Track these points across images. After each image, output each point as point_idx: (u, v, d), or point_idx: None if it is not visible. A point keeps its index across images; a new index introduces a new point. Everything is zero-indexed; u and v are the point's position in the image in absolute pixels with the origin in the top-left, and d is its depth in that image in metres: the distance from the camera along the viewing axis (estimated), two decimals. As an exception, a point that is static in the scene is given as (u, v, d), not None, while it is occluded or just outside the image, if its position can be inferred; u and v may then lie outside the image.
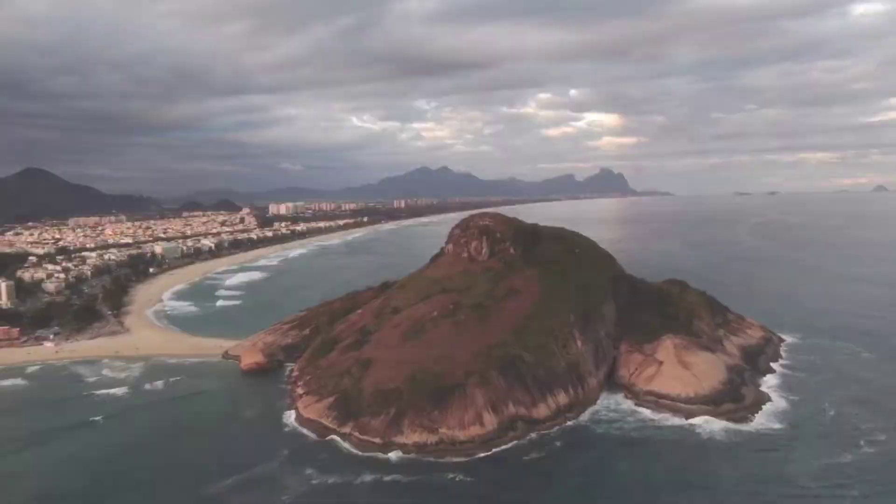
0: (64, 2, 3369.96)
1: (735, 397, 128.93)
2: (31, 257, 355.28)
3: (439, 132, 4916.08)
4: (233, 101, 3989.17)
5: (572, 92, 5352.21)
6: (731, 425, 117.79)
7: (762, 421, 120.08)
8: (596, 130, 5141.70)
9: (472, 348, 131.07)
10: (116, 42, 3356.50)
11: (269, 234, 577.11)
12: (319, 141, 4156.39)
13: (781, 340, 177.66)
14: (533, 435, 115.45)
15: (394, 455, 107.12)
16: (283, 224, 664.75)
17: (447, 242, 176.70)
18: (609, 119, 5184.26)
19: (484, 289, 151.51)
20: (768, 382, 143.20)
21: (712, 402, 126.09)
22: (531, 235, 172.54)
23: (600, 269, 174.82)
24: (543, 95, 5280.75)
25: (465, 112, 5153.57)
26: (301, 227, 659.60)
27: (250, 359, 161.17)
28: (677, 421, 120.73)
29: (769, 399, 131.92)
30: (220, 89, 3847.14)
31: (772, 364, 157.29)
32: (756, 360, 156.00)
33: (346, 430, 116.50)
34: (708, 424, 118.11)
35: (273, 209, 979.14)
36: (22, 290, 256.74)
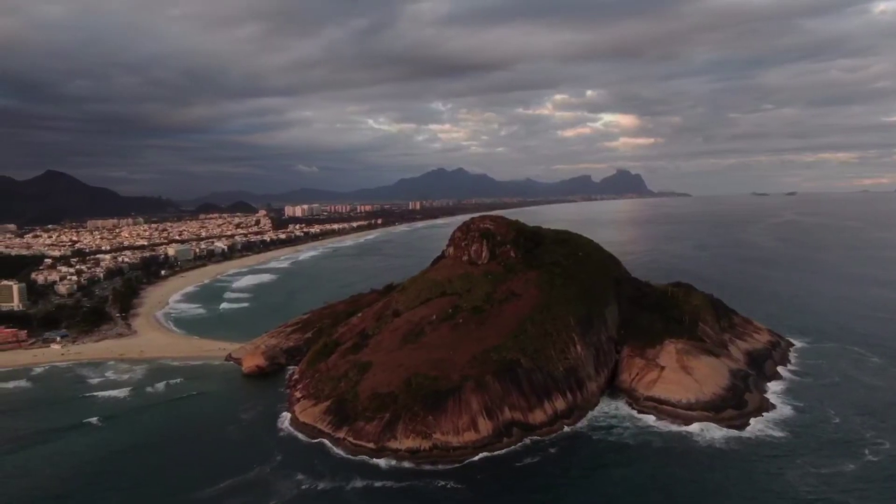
0: (79, 6, 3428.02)
1: (737, 403, 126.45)
2: (46, 259, 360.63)
3: (455, 134, 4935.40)
4: (247, 104, 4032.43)
5: (588, 93, 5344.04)
6: (731, 432, 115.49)
7: (764, 428, 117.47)
8: (612, 131, 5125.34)
9: (470, 352, 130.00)
10: (131, 45, 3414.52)
11: (283, 236, 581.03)
12: (335, 143, 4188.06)
13: (791, 345, 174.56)
14: (527, 441, 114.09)
15: (384, 461, 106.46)
16: (296, 226, 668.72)
17: (448, 245, 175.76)
18: (625, 120, 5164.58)
19: (483, 292, 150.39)
20: (773, 388, 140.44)
21: (713, 409, 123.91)
22: (532, 238, 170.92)
23: (603, 271, 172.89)
24: (559, 96, 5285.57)
25: (480, 113, 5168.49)
26: (315, 229, 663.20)
27: (251, 362, 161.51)
28: (676, 427, 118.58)
29: (773, 405, 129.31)
30: (235, 92, 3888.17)
31: (778, 369, 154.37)
32: (762, 364, 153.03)
33: (341, 434, 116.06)
34: (707, 431, 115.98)
35: (288, 211, 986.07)
36: (34, 293, 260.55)
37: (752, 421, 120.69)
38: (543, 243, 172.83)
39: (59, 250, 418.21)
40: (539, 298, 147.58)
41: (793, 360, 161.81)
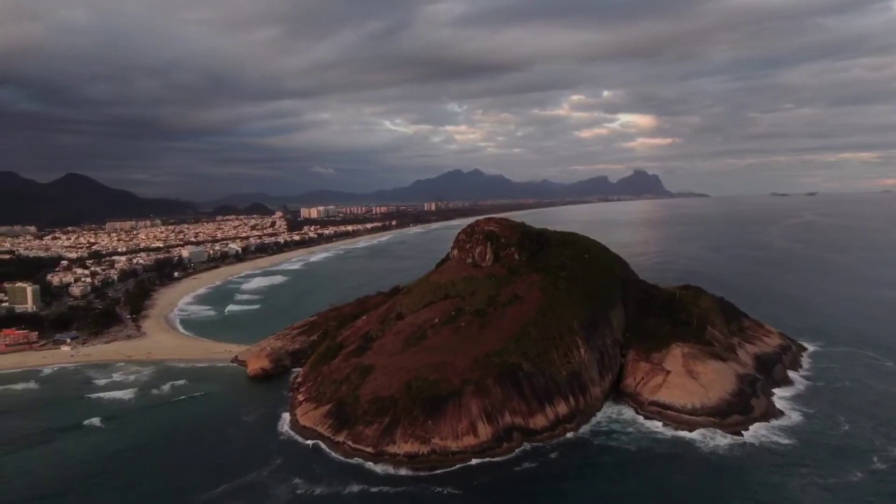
0: (100, 11, 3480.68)
1: (743, 409, 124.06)
2: (63, 261, 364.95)
3: (471, 135, 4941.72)
4: (266, 106, 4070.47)
5: (605, 93, 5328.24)
6: (735, 439, 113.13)
7: (769, 435, 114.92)
8: (629, 131, 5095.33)
9: (471, 356, 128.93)
10: (151, 49, 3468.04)
11: (297, 237, 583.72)
12: (351, 144, 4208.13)
13: (803, 348, 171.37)
14: (528, 446, 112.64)
15: (381, 467, 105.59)
16: (310, 228, 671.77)
17: (453, 248, 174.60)
18: (643, 120, 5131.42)
19: (486, 295, 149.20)
20: (782, 393, 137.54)
21: (718, 414, 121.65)
22: (537, 240, 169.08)
23: (610, 274, 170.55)
24: (576, 97, 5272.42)
25: (496, 114, 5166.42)
26: (329, 230, 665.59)
27: (256, 364, 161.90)
28: (680, 433, 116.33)
29: (780, 411, 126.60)
30: (253, 94, 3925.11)
31: (789, 373, 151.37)
32: (771, 369, 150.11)
33: (340, 438, 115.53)
34: (711, 438, 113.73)
35: (304, 213, 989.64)
36: (49, 294, 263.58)
37: (758, 427, 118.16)
38: (549, 245, 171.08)
39: (77, 252, 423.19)
40: (542, 301, 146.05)
41: (804, 365, 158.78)
